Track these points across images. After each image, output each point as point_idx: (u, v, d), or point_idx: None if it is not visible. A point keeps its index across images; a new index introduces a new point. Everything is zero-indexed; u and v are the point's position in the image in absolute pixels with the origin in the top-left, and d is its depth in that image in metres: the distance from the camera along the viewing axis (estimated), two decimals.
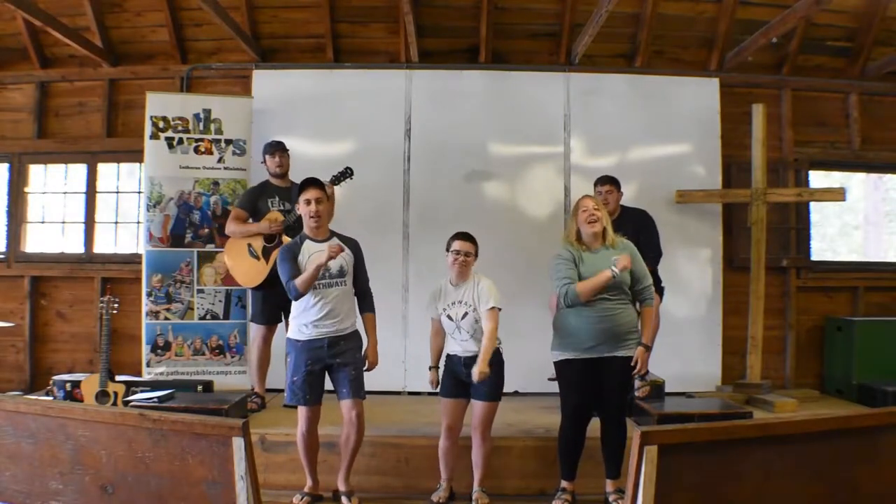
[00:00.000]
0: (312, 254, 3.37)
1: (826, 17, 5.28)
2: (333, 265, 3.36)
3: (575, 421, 3.35)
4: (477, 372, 3.26)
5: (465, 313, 3.38)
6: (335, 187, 4.24)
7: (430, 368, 3.55)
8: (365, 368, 3.44)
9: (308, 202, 3.38)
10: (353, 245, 3.50)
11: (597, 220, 3.34)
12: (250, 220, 4.34)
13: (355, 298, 3.51)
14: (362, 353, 3.46)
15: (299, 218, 4.13)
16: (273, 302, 4.29)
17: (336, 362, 3.37)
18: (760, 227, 4.84)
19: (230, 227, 4.38)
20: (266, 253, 4.25)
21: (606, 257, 3.30)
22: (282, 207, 4.32)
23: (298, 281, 3.29)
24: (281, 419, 4.00)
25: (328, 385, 3.46)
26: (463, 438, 3.48)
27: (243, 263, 4.34)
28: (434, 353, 3.54)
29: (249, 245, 4.32)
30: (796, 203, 5.26)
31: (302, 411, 3.38)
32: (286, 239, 4.16)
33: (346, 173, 4.21)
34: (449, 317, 3.40)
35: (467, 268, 3.42)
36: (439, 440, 3.45)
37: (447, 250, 3.47)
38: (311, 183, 3.43)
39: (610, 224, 3.42)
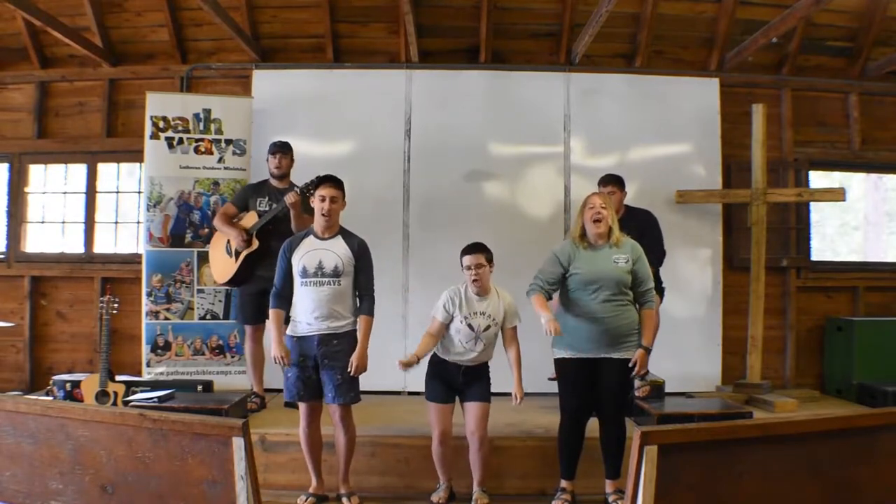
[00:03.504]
0: (310, 250, 3.37)
1: (826, 17, 5.29)
2: (328, 263, 3.35)
3: (575, 419, 3.36)
4: (519, 397, 3.34)
5: (489, 326, 3.38)
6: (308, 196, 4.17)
7: (410, 357, 3.34)
8: (350, 371, 3.33)
9: (322, 199, 3.37)
10: (359, 245, 3.43)
11: (601, 220, 3.33)
12: (242, 216, 4.34)
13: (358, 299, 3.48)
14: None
15: (272, 221, 4.16)
16: (252, 301, 4.30)
17: (325, 362, 3.33)
18: (760, 227, 4.84)
19: (216, 220, 4.42)
20: (237, 252, 4.26)
21: (607, 255, 3.33)
22: (266, 209, 4.29)
23: (272, 313, 3.42)
24: (281, 419, 4.00)
25: None
26: (457, 438, 3.46)
27: (219, 259, 4.40)
28: (422, 351, 3.36)
29: (228, 241, 4.35)
30: (796, 203, 5.25)
31: (301, 407, 3.39)
32: (254, 241, 4.19)
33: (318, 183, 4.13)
34: (470, 326, 3.36)
35: (485, 279, 3.40)
36: (432, 446, 3.42)
37: (462, 267, 3.45)
38: (329, 180, 3.43)
39: (616, 223, 3.40)
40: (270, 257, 4.16)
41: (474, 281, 3.37)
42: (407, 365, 3.31)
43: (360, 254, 3.42)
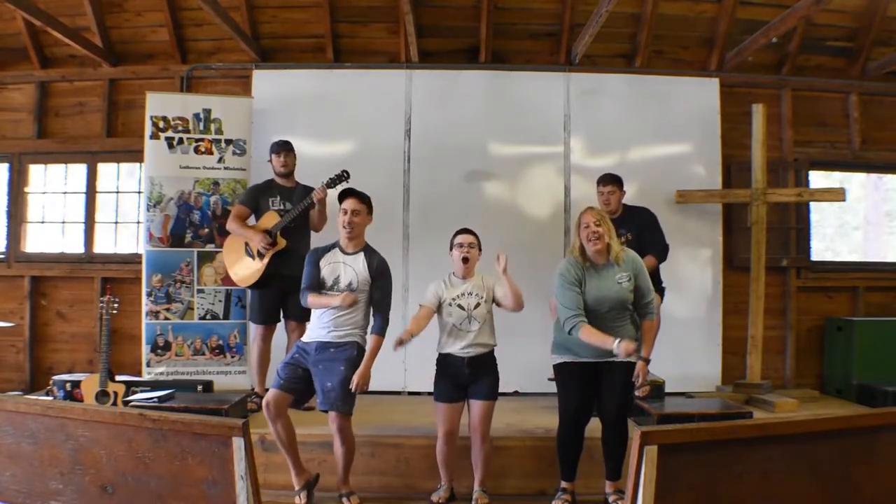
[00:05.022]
0: (332, 263, 3.41)
1: (826, 17, 5.29)
2: (343, 279, 3.38)
3: (573, 424, 3.35)
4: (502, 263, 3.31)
5: (478, 303, 3.40)
6: (329, 191, 4.20)
7: (404, 332, 3.28)
8: (350, 386, 3.29)
9: (345, 212, 3.40)
10: (378, 265, 3.42)
11: (599, 238, 3.28)
12: (252, 218, 4.35)
13: (369, 316, 3.47)
14: (353, 370, 3.32)
15: (295, 219, 4.18)
16: (270, 302, 4.32)
17: (319, 367, 3.34)
18: (760, 227, 4.84)
19: (230, 223, 4.38)
20: (262, 253, 4.24)
21: (612, 276, 3.30)
22: (281, 207, 4.32)
23: (311, 299, 3.39)
24: None
25: None
26: (461, 438, 3.46)
27: (240, 261, 4.35)
28: (414, 328, 3.30)
29: (247, 243, 4.32)
30: (796, 203, 5.25)
31: (267, 395, 3.36)
32: (281, 240, 4.17)
33: (343, 176, 4.14)
34: (460, 306, 3.38)
35: (473, 260, 3.46)
36: (437, 445, 3.42)
37: (451, 249, 3.51)
38: (352, 193, 3.46)
39: (615, 238, 3.34)
40: (294, 256, 4.19)
41: (464, 259, 3.41)
42: (401, 342, 3.25)
43: (378, 274, 3.41)
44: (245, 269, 4.31)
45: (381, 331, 3.39)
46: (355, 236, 3.44)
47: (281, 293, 4.26)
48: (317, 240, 4.26)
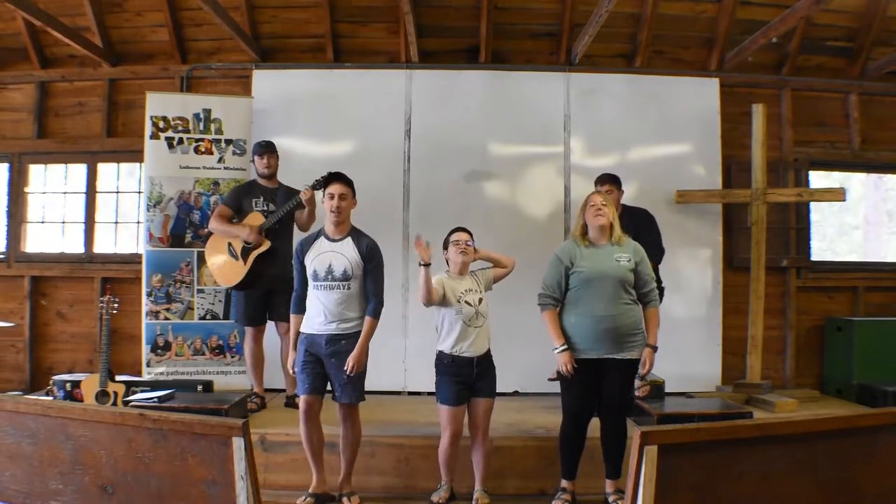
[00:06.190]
0: (321, 253, 3.38)
1: (826, 17, 5.29)
2: (337, 267, 3.36)
3: (576, 419, 3.36)
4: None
5: (480, 298, 3.44)
6: (316, 192, 4.19)
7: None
8: (346, 370, 3.32)
9: (332, 196, 3.37)
10: (367, 247, 3.40)
11: (603, 215, 3.34)
12: (235, 219, 4.34)
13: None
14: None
15: (280, 220, 4.18)
16: (253, 304, 4.32)
17: (332, 361, 3.35)
18: (760, 227, 4.84)
19: (213, 223, 4.36)
20: (245, 253, 4.22)
21: (609, 253, 3.33)
22: (265, 208, 4.31)
23: (292, 319, 3.48)
24: (281, 419, 4.01)
25: None
26: (462, 438, 3.46)
27: (222, 262, 4.34)
28: (428, 278, 3.31)
29: (230, 244, 4.31)
30: (796, 203, 5.25)
31: (300, 402, 3.38)
32: (265, 241, 4.17)
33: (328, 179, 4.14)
34: (468, 302, 3.39)
35: (470, 255, 3.50)
36: (440, 445, 3.41)
37: (445, 248, 3.53)
38: (338, 178, 3.43)
39: (617, 220, 3.42)
40: (276, 257, 4.18)
41: (462, 253, 3.46)
42: (424, 244, 3.31)
43: (369, 256, 3.39)
44: (228, 269, 4.30)
45: (374, 313, 3.38)
46: (342, 220, 3.41)
47: (265, 294, 4.26)
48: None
